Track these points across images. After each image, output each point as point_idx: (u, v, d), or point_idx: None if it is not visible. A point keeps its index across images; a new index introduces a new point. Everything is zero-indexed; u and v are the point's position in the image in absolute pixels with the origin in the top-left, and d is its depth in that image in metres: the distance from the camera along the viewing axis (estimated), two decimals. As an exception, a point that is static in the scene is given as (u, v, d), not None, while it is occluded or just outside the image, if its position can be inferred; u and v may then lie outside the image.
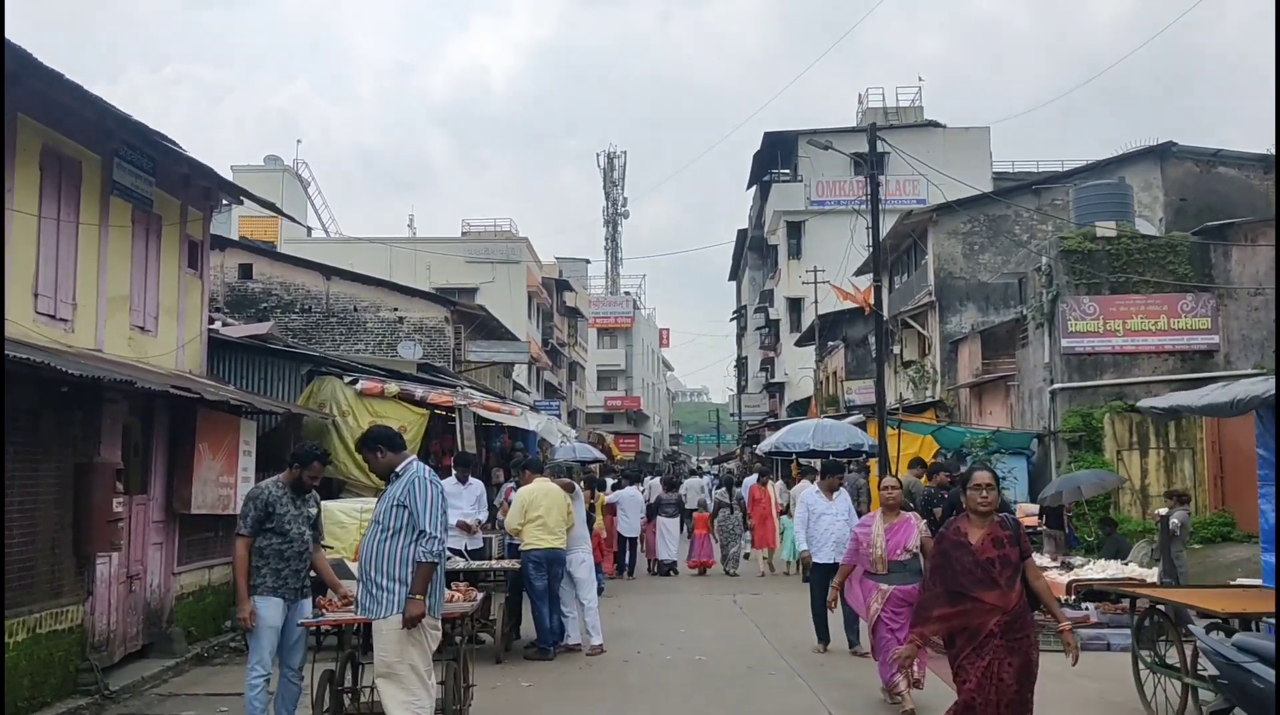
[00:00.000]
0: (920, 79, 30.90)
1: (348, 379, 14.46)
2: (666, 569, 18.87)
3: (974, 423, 22.88)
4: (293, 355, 14.82)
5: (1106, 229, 19.07)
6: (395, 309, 28.63)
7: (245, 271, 28.55)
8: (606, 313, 73.79)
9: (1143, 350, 18.74)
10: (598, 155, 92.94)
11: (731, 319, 71.73)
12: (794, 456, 22.75)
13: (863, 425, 21.46)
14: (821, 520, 10.30)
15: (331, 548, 11.75)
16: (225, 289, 28.18)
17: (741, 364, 67.02)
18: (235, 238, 34.00)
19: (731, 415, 68.83)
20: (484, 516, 11.19)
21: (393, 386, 14.39)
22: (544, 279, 49.18)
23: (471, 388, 17.07)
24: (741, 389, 64.28)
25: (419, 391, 14.48)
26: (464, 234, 48.40)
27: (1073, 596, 11.17)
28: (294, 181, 48.11)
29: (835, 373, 35.84)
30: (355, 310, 28.56)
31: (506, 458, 18.57)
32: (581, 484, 20.61)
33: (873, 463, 20.21)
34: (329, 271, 28.90)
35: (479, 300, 35.34)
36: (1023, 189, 25.59)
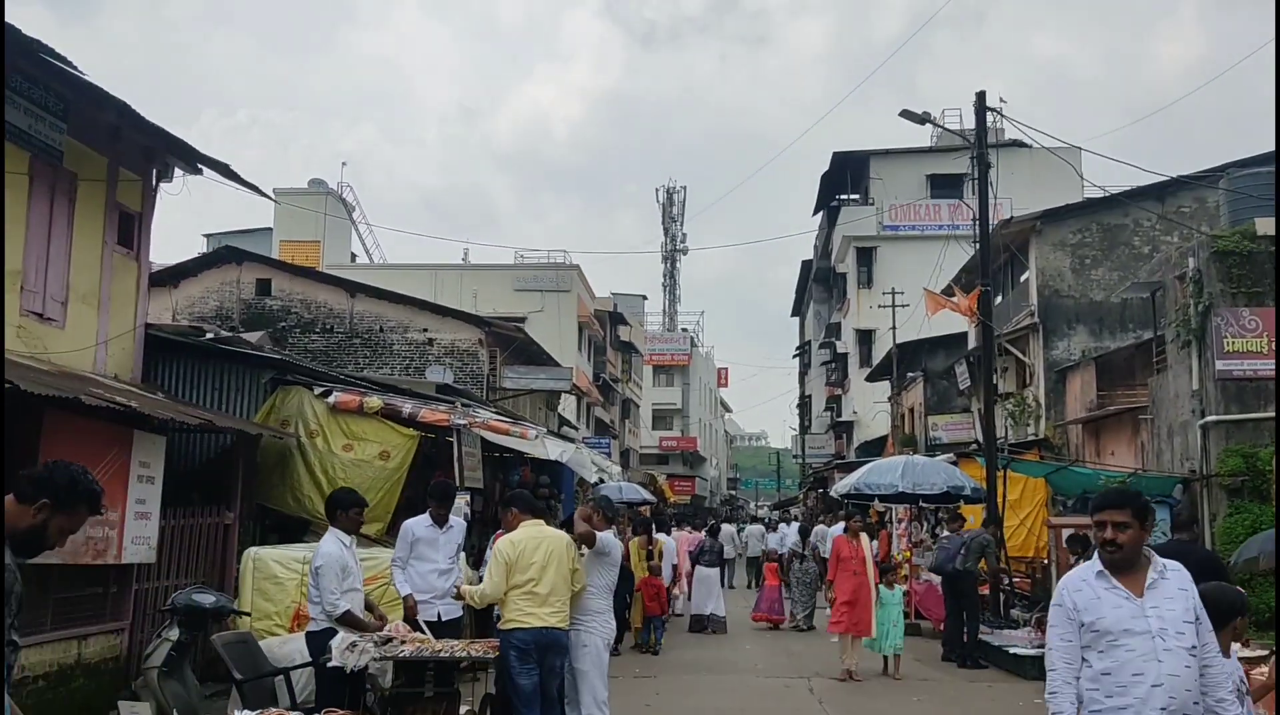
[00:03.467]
0: (1002, 100, 27.79)
1: (318, 390, 11.42)
2: (705, 624, 16.58)
3: (1089, 464, 19.19)
4: (253, 360, 11.81)
5: (1269, 226, 15.46)
6: (425, 330, 25.77)
7: (263, 287, 25.93)
8: (663, 350, 70.75)
9: (1317, 375, 15.03)
10: (657, 190, 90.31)
11: (794, 356, 68.13)
12: (874, 501, 19.22)
13: (954, 465, 18.00)
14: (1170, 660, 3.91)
15: (248, 615, 8.61)
16: (241, 306, 25.65)
17: (805, 403, 63.27)
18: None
19: (794, 458, 65.04)
20: (454, 577, 7.87)
21: (374, 400, 11.31)
22: (596, 311, 46.32)
23: (481, 407, 13.92)
24: (805, 429, 60.46)
25: (407, 407, 11.37)
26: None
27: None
28: (337, 205, 45.90)
29: (913, 409, 32.20)
30: (381, 331, 25.75)
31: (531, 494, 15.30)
32: (628, 528, 17.65)
33: (971, 510, 16.73)
34: (354, 288, 26.18)
35: (527, 331, 32.44)
36: (1144, 193, 21.96)
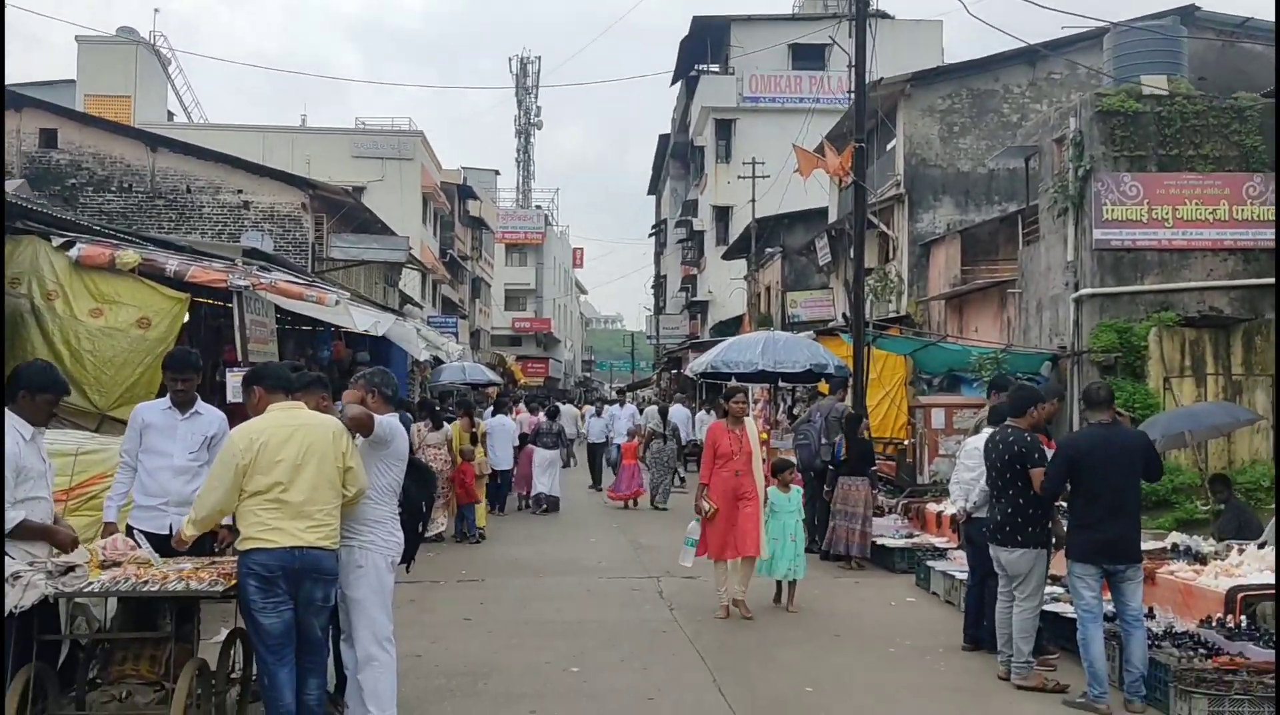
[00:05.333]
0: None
1: (58, 241, 9.14)
2: (544, 504, 16.35)
3: (953, 340, 18.35)
4: (-27, 204, 9.38)
5: (1155, 85, 14.44)
6: (239, 191, 23.08)
7: (48, 138, 22.71)
8: (516, 227, 68.08)
9: (1195, 245, 14.28)
10: (510, 60, 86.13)
11: (650, 234, 66.57)
12: (729, 380, 17.93)
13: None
14: None
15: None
16: (22, 159, 22.40)
17: (660, 283, 62.05)
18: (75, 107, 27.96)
19: (649, 339, 64.14)
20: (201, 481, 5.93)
21: (129, 255, 9.11)
22: (444, 184, 43.55)
23: (276, 268, 11.77)
24: (659, 310, 59.41)
25: (172, 264, 9.22)
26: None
27: (1241, 618, 6.57)
28: (150, 57, 41.24)
29: (770, 287, 31.17)
30: (188, 191, 22.96)
31: (345, 374, 13.34)
32: (450, 411, 16.00)
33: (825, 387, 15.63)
34: (154, 141, 23.18)
35: (366, 202, 29.80)
36: (1016, 56, 20.81)
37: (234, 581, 4.85)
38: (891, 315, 21.06)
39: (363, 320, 10.74)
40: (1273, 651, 5.97)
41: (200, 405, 6.22)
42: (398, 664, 6.53)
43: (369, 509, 5.19)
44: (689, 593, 9.42)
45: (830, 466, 11.49)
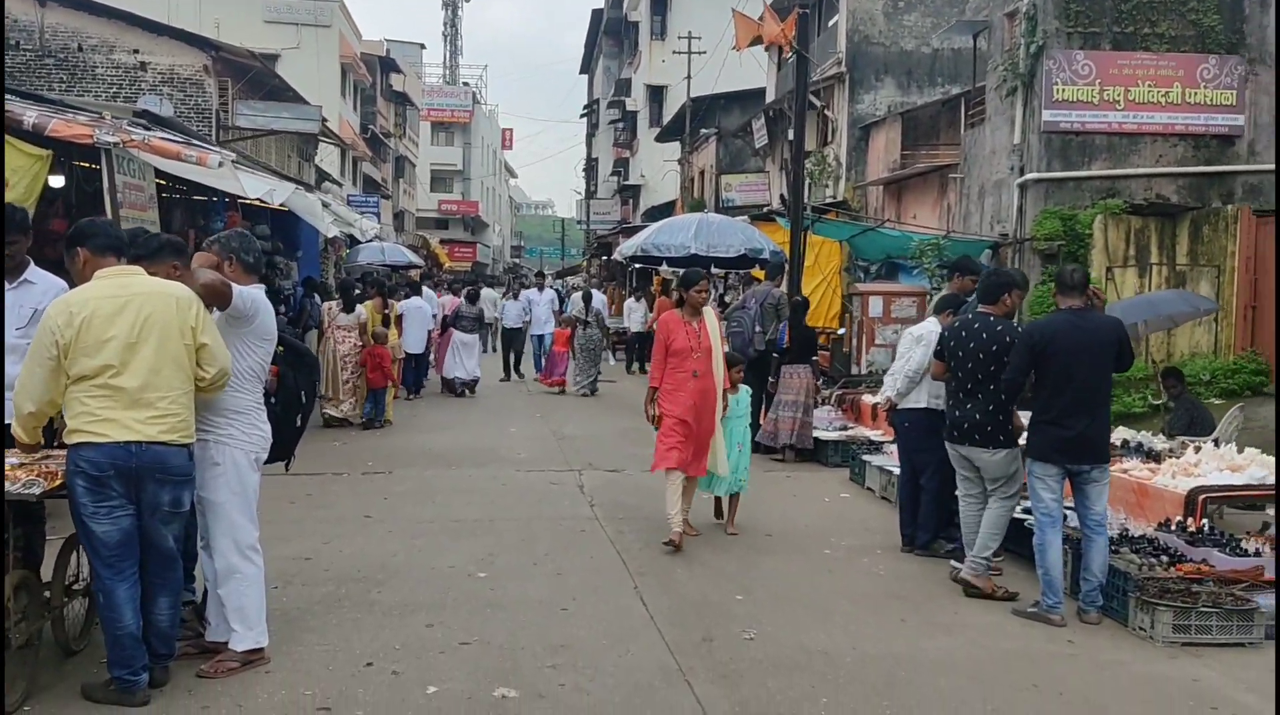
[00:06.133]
0: None
1: (-109, 88, 7.92)
2: (463, 388, 16.01)
3: (892, 225, 17.75)
4: None
5: (1116, -43, 13.65)
6: (136, 51, 21.37)
7: (-80, -11, 20.50)
8: (443, 104, 65.50)
9: (1146, 129, 13.73)
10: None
11: (582, 115, 64.56)
12: (660, 264, 17.08)
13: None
14: None
15: None
16: (-109, 13, 20.30)
17: (591, 167, 60.48)
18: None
19: (579, 224, 62.86)
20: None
21: (-22, 105, 7.94)
22: (364, 54, 41.25)
23: (156, 127, 10.55)
24: (590, 195, 58.02)
25: (30, 117, 8.07)
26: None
27: (1202, 521, 6.12)
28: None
29: (705, 171, 30.19)
30: (80, 50, 21.21)
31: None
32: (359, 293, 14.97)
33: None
34: (41, -7, 21.20)
35: (281, 71, 27.86)
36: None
37: (58, 482, 4.04)
38: (829, 200, 20.37)
39: (254, 187, 9.67)
40: (1240, 559, 5.52)
41: (33, 272, 5.24)
42: (283, 567, 5.90)
43: (228, 398, 4.38)
44: (612, 488, 8.81)
45: (775, 355, 10.83)
